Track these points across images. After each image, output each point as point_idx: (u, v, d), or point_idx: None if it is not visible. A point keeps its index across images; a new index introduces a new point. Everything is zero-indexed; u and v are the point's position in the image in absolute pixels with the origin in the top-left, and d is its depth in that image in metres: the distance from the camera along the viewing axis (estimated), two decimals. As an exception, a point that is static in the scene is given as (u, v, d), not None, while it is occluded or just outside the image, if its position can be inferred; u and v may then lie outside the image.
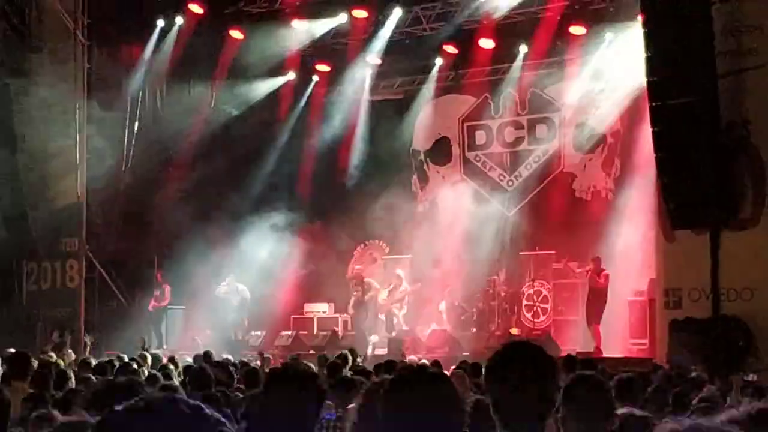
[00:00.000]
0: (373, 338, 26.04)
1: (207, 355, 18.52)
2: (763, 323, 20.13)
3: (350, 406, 8.22)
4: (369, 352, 24.60)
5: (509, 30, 26.70)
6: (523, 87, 28.11)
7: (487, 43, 27.08)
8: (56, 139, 26.75)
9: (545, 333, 24.62)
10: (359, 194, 28.11)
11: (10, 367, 12.27)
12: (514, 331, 25.46)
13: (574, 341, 24.39)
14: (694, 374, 13.79)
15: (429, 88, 29.40)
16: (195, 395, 10.02)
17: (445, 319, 26.87)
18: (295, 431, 4.59)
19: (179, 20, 27.07)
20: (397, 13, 26.26)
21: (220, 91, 28.57)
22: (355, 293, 27.24)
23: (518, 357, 4.12)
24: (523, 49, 27.20)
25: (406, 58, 28.80)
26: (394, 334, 26.33)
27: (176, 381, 13.07)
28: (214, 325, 27.19)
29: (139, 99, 27.96)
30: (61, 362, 18.06)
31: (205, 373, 11.62)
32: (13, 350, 15.51)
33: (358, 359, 18.37)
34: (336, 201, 28.63)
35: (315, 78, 29.81)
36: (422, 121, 29.89)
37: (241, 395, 11.84)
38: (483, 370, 14.68)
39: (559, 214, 26.78)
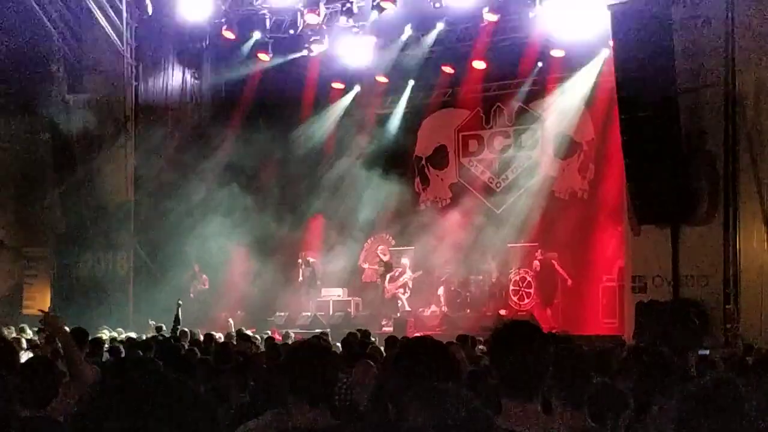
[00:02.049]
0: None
1: (240, 333, 18.60)
2: (716, 305, 20.21)
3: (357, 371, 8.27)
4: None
5: (498, 53, 26.69)
6: (510, 102, 28.09)
7: (479, 64, 27.07)
8: (109, 147, 26.81)
9: (529, 313, 24.61)
10: (369, 194, 28.07)
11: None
12: (503, 312, 25.44)
13: (553, 320, 24.43)
14: (656, 349, 13.75)
15: (429, 103, 29.44)
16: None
17: (443, 302, 26.87)
18: (314, 393, 4.59)
19: (214, 43, 27.05)
20: (407, 31, 26.19)
21: (250, 106, 28.53)
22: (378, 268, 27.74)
23: (519, 333, 4.18)
24: (509, 69, 27.16)
25: (410, 77, 28.74)
26: (399, 315, 26.35)
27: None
28: (244, 306, 27.27)
29: (180, 113, 28.02)
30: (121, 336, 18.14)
31: (228, 348, 11.67)
32: (68, 328, 15.50)
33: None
34: (349, 201, 28.54)
35: (331, 92, 29.77)
36: (423, 131, 29.87)
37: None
38: (480, 343, 14.81)
39: (540, 212, 26.73)
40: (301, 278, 27.99)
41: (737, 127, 20.35)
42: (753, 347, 15.81)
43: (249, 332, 19.96)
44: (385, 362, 4.88)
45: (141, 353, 12.93)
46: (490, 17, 24.70)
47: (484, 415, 2.82)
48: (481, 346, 14.75)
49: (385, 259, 27.83)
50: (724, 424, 2.99)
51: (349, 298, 27.95)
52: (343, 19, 25.89)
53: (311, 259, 28.10)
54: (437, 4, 24.60)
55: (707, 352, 14.90)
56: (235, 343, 16.65)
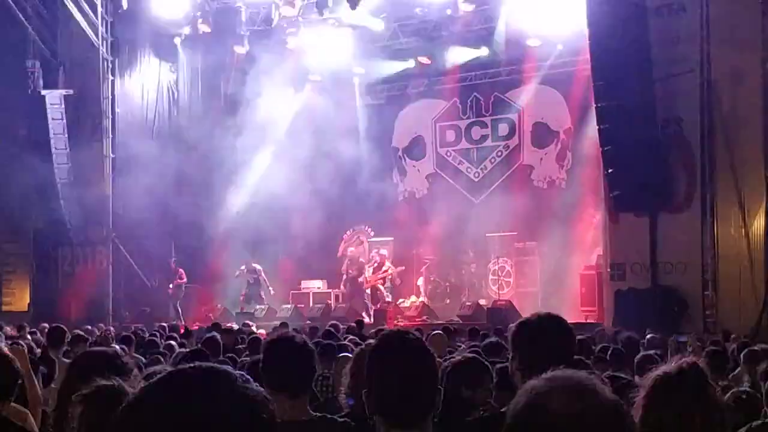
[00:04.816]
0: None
1: (216, 325, 18.51)
2: (694, 291, 20.32)
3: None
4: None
5: (474, 43, 26.70)
6: (486, 92, 28.10)
7: (455, 55, 27.07)
8: (86, 142, 26.70)
9: (508, 303, 24.62)
10: (347, 186, 28.05)
11: (48, 339, 12.23)
12: (482, 302, 25.46)
13: (532, 309, 24.35)
14: (634, 336, 13.81)
15: (406, 94, 29.43)
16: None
17: (423, 292, 26.91)
18: (293, 386, 4.59)
19: (190, 37, 26.96)
20: (382, 23, 26.07)
21: (228, 99, 28.45)
22: (350, 272, 27.51)
23: (549, 326, 4.27)
24: (486, 59, 27.18)
25: (387, 68, 28.70)
26: (379, 305, 26.35)
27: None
28: (223, 300, 27.23)
29: (157, 106, 27.97)
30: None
31: (215, 340, 11.60)
32: (46, 324, 15.42)
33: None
34: (327, 192, 28.49)
35: (308, 85, 29.70)
36: (401, 121, 29.85)
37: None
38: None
39: (519, 201, 26.71)
40: (244, 291, 27.24)
41: (713, 114, 20.43)
42: (731, 334, 15.91)
43: (233, 326, 19.99)
44: (358, 355, 4.88)
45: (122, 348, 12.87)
46: (465, 7, 24.71)
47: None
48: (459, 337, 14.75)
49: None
50: (686, 410, 3.01)
51: (329, 290, 27.94)
52: (318, 11, 25.85)
53: (257, 266, 27.36)
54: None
55: (685, 338, 14.94)
56: (213, 335, 16.59)
